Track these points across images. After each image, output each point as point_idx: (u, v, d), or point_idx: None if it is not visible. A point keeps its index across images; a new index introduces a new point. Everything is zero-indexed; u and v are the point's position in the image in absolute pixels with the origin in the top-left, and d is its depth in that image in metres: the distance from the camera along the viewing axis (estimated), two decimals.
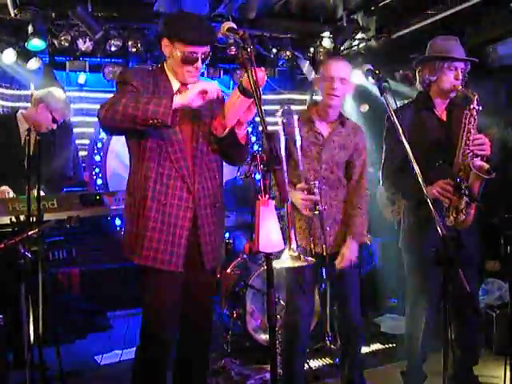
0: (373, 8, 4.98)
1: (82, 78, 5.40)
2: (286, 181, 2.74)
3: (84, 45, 4.73)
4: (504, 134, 4.55)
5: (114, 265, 4.99)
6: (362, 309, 3.15)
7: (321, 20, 5.29)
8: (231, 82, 5.93)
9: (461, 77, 2.91)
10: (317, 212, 2.87)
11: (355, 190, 3.03)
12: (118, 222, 5.46)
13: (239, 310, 3.98)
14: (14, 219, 2.98)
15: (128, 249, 2.46)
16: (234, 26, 2.11)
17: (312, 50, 5.58)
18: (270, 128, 1.92)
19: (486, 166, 2.73)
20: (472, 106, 2.80)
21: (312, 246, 2.93)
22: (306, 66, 5.67)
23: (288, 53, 5.44)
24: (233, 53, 5.20)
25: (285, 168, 2.71)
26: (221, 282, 4.18)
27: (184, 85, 2.44)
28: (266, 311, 3.81)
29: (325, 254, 2.91)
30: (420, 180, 2.12)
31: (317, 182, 2.87)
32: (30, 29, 4.41)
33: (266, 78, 2.19)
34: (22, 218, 2.96)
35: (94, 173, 5.67)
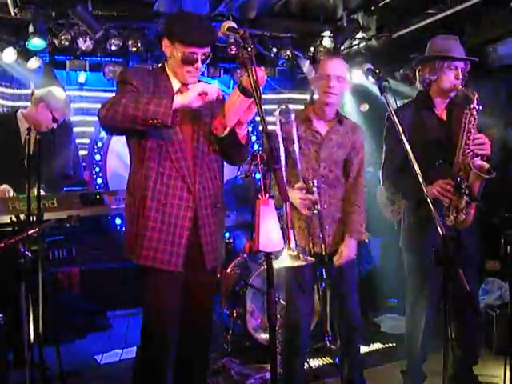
0: (373, 7, 4.98)
1: (82, 77, 5.40)
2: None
3: (84, 44, 4.72)
4: (504, 134, 4.55)
5: (114, 264, 4.98)
6: (362, 309, 3.15)
7: (321, 19, 5.28)
8: (231, 82, 5.93)
9: (461, 76, 2.91)
10: (316, 211, 2.87)
11: (353, 188, 3.04)
12: (118, 221, 5.46)
13: (239, 310, 3.98)
14: (14, 218, 2.97)
15: (128, 249, 2.46)
16: (235, 26, 2.11)
17: (312, 49, 5.57)
18: (270, 127, 1.92)
19: (486, 165, 2.73)
20: (472, 106, 2.80)
21: (311, 245, 2.93)
22: (306, 66, 5.67)
23: (288, 52, 5.44)
24: (233, 52, 5.19)
25: (283, 168, 2.72)
26: (221, 281, 4.18)
27: (184, 85, 2.44)
28: (266, 310, 3.80)
29: (324, 253, 2.91)
30: (420, 180, 2.12)
31: (315, 181, 2.87)
32: (31, 28, 4.41)
33: (265, 77, 2.19)
34: (22, 217, 2.96)
35: (94, 172, 5.66)
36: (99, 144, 5.66)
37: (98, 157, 5.67)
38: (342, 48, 5.51)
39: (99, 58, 5.09)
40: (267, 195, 1.83)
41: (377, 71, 2.38)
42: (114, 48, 4.86)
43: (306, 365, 3.63)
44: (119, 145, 5.37)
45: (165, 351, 2.47)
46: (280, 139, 2.80)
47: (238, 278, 4.14)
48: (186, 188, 2.41)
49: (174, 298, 2.46)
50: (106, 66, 5.09)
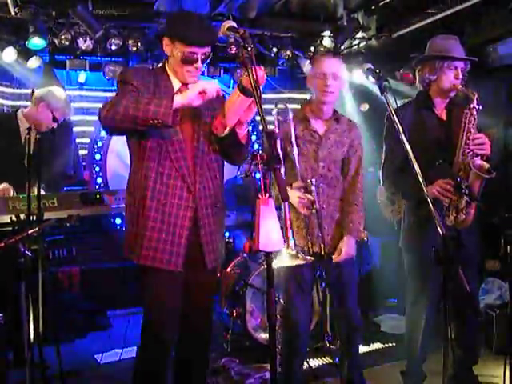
0: (373, 7, 4.97)
1: (82, 76, 5.40)
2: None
3: (84, 43, 4.72)
4: (504, 134, 4.55)
5: (115, 264, 4.98)
6: (362, 308, 3.16)
7: (321, 19, 5.28)
8: (231, 81, 5.93)
9: (461, 76, 2.91)
10: (314, 210, 2.87)
11: (351, 187, 3.04)
12: (118, 220, 5.46)
13: (239, 309, 3.98)
14: (14, 218, 2.98)
15: (128, 248, 2.47)
16: (235, 25, 2.11)
17: (312, 49, 5.56)
18: (270, 127, 1.92)
19: (486, 165, 2.73)
20: (472, 106, 2.80)
21: (310, 245, 2.93)
22: (306, 66, 5.66)
23: (288, 52, 5.44)
24: (233, 52, 5.19)
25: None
26: (221, 281, 4.18)
27: (184, 84, 2.45)
28: (265, 310, 3.81)
29: (323, 253, 2.91)
30: (420, 179, 2.12)
31: (314, 180, 2.87)
32: (31, 27, 4.40)
33: (265, 77, 2.19)
34: (22, 216, 2.96)
35: (94, 172, 5.66)
36: (99, 143, 5.66)
37: (98, 156, 5.67)
38: (342, 48, 5.51)
39: (99, 58, 5.09)
40: (267, 195, 1.83)
41: (377, 71, 2.38)
42: (114, 48, 4.86)
43: (306, 364, 3.64)
44: (119, 144, 5.37)
45: (165, 351, 2.47)
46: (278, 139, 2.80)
47: (238, 278, 4.14)
48: (186, 187, 2.42)
49: (174, 297, 2.46)
50: (106, 66, 5.09)
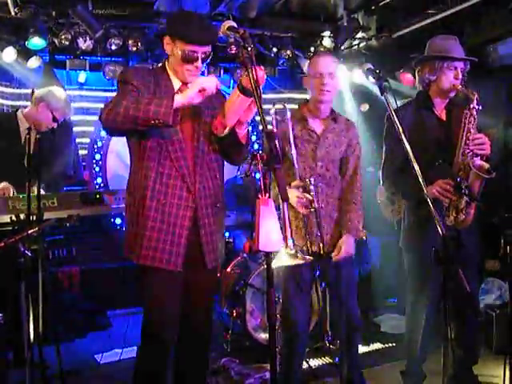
0: (373, 7, 4.97)
1: (82, 76, 5.40)
2: None
3: (84, 43, 4.72)
4: (504, 134, 4.55)
5: (115, 264, 4.98)
6: (362, 308, 3.15)
7: (321, 19, 5.27)
8: (231, 81, 5.93)
9: (460, 76, 2.91)
10: (313, 210, 2.87)
11: (349, 186, 3.04)
12: (118, 220, 5.46)
13: (239, 309, 3.98)
14: (14, 218, 2.98)
15: (128, 248, 2.47)
16: (235, 25, 2.11)
17: (312, 49, 5.56)
18: (269, 127, 1.92)
19: (486, 165, 2.73)
20: (472, 106, 2.80)
21: (309, 244, 2.93)
22: (306, 66, 5.65)
23: (288, 52, 5.43)
24: (233, 52, 5.20)
25: None
26: (221, 280, 4.19)
27: (185, 84, 2.44)
28: (265, 310, 3.81)
29: (322, 252, 2.91)
30: (420, 180, 2.12)
31: (312, 180, 2.87)
32: (31, 27, 4.41)
33: (265, 76, 2.19)
34: (22, 216, 2.96)
35: (94, 171, 5.66)
36: (99, 143, 5.66)
37: (97, 156, 5.67)
38: (342, 48, 5.51)
39: (99, 58, 5.08)
40: (267, 195, 1.83)
41: (377, 71, 2.38)
42: (114, 47, 4.86)
43: (306, 364, 3.64)
44: (119, 144, 5.38)
45: (164, 351, 2.47)
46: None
47: (238, 278, 4.14)
48: (186, 187, 2.41)
49: (173, 297, 2.45)
50: (106, 66, 5.08)
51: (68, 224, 3.10)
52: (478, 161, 2.76)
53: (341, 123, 3.05)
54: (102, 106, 2.33)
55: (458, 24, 4.51)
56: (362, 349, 3.33)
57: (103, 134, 5.59)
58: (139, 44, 4.88)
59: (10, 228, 2.98)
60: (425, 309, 3.00)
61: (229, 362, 3.74)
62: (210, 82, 2.27)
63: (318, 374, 3.66)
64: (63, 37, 4.59)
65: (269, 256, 1.83)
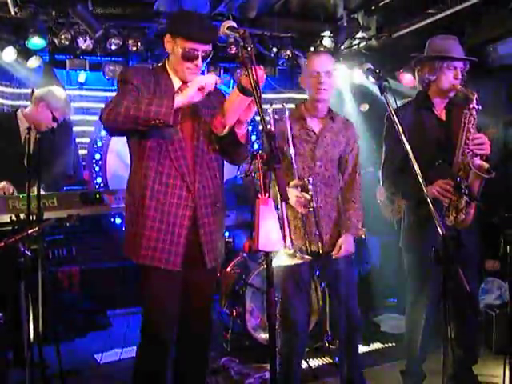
0: (373, 7, 4.98)
1: (82, 76, 5.40)
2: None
3: (84, 43, 4.72)
4: (504, 134, 4.55)
5: (114, 263, 4.99)
6: (362, 308, 3.15)
7: (321, 19, 5.28)
8: (231, 81, 5.93)
9: (460, 76, 2.91)
10: (311, 209, 2.87)
11: (348, 185, 3.05)
12: (118, 220, 5.46)
13: (239, 309, 3.98)
14: (14, 217, 2.98)
15: (127, 248, 2.47)
16: (235, 25, 2.11)
17: (312, 49, 5.57)
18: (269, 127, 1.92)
19: (486, 165, 2.73)
20: (472, 106, 2.80)
21: (308, 244, 2.93)
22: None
23: (288, 52, 5.44)
24: (233, 52, 5.20)
25: None
26: (220, 280, 4.19)
27: (185, 83, 2.44)
28: (265, 310, 3.81)
29: (321, 251, 2.91)
30: (420, 180, 2.12)
31: (311, 179, 2.87)
32: (31, 27, 4.41)
33: (264, 76, 2.19)
34: (22, 216, 2.96)
35: (93, 171, 5.66)
36: (99, 143, 5.66)
37: (97, 156, 5.67)
38: (342, 48, 5.51)
39: (99, 58, 5.09)
40: (267, 195, 1.83)
41: (377, 71, 2.38)
42: (114, 47, 4.86)
43: (306, 364, 3.64)
44: (119, 144, 5.37)
45: (164, 351, 2.47)
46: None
47: (238, 278, 4.14)
48: (186, 187, 2.41)
49: (173, 297, 2.46)
50: (106, 66, 5.08)
51: (68, 224, 3.10)
52: (477, 160, 2.76)
53: (338, 122, 3.05)
54: (102, 105, 2.34)
55: (458, 24, 4.51)
56: (361, 349, 3.32)
57: (103, 133, 5.59)
58: (139, 44, 4.89)
59: (10, 228, 2.98)
60: (425, 309, 3.00)
61: (228, 361, 3.75)
62: (209, 79, 2.28)
63: (317, 373, 3.65)
64: (63, 36, 4.59)
65: (268, 256, 1.83)
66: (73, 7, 4.28)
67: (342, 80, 5.92)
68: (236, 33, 2.08)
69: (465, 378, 3.15)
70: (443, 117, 3.02)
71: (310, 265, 2.93)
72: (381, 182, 3.18)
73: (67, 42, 4.64)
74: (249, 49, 1.97)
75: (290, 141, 2.88)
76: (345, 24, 5.15)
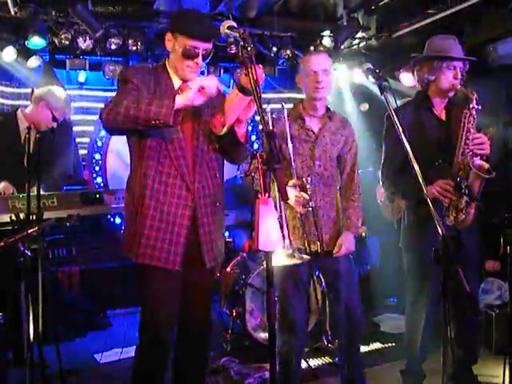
0: (373, 7, 4.98)
1: (82, 76, 5.40)
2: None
3: (84, 43, 4.73)
4: (504, 134, 4.55)
5: (114, 263, 4.99)
6: (362, 308, 3.15)
7: (321, 19, 5.28)
8: (231, 81, 5.93)
9: (459, 76, 2.91)
10: (310, 209, 2.87)
11: (347, 184, 3.06)
12: (118, 220, 5.46)
13: (239, 309, 3.98)
14: (13, 217, 2.98)
15: (127, 247, 2.46)
16: (235, 25, 2.11)
17: (312, 48, 5.57)
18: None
19: (486, 165, 2.73)
20: (471, 106, 2.80)
21: (307, 244, 2.93)
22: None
23: (288, 51, 5.44)
24: (233, 51, 5.20)
25: None
26: (220, 280, 4.19)
27: (185, 81, 2.44)
28: (265, 310, 3.81)
29: (320, 251, 2.91)
30: (420, 180, 2.12)
31: (309, 179, 2.87)
32: (31, 27, 4.41)
33: (264, 75, 2.19)
34: (21, 216, 2.97)
35: (93, 171, 5.66)
36: (99, 143, 5.66)
37: (97, 156, 5.68)
38: (342, 47, 5.51)
39: (99, 57, 5.09)
40: (267, 194, 1.83)
41: (377, 71, 2.38)
42: (113, 47, 4.87)
43: (306, 364, 3.63)
44: (119, 144, 5.38)
45: (163, 350, 2.47)
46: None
47: (238, 278, 4.14)
48: (185, 186, 2.41)
49: (172, 296, 2.45)
50: (106, 65, 5.09)
51: (68, 224, 3.10)
52: (477, 160, 2.76)
53: (336, 121, 3.06)
54: (101, 105, 2.34)
55: (458, 24, 4.51)
56: (361, 348, 3.32)
57: (103, 133, 5.59)
58: (139, 43, 4.89)
59: (10, 227, 2.99)
60: (424, 308, 3.00)
61: (228, 361, 3.74)
62: (210, 81, 2.27)
63: (317, 373, 3.65)
64: (63, 36, 4.60)
65: (268, 256, 1.83)
66: (73, 7, 4.29)
67: (341, 80, 5.92)
68: (236, 32, 2.07)
69: (465, 377, 3.15)
70: (443, 117, 3.02)
71: (309, 265, 2.92)
72: (381, 182, 3.18)
73: (67, 42, 4.65)
74: (249, 48, 1.97)
75: (289, 140, 2.88)
76: (345, 24, 5.16)
